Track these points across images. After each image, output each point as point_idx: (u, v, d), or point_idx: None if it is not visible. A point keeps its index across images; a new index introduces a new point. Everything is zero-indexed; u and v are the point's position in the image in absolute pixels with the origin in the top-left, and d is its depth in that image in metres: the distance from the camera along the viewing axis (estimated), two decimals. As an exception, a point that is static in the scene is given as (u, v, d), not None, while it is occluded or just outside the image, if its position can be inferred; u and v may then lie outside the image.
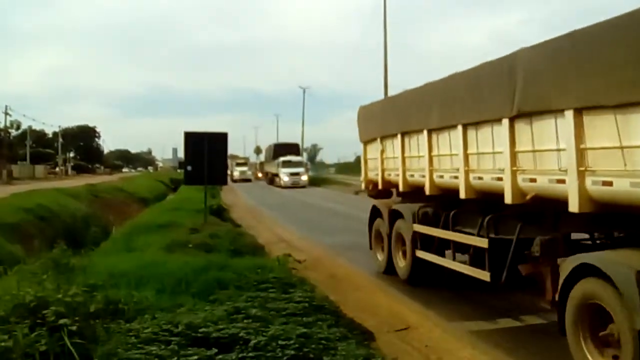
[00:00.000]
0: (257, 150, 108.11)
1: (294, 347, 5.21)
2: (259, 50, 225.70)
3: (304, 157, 63.51)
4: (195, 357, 5.01)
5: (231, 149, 64.22)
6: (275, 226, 19.99)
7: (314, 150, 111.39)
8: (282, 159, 51.71)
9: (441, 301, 8.80)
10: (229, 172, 68.36)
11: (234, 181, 60.07)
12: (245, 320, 5.97)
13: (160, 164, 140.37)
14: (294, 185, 47.99)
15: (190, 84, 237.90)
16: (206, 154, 15.72)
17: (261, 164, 75.93)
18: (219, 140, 16.33)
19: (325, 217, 22.55)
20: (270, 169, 57.89)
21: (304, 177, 50.73)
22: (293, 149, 58.05)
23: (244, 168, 71.24)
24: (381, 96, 32.04)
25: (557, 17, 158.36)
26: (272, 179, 55.87)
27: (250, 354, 5.08)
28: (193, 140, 16.13)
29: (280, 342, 5.29)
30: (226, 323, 5.85)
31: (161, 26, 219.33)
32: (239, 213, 24.49)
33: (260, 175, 71.50)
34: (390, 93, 28.44)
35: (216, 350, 5.17)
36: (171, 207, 22.39)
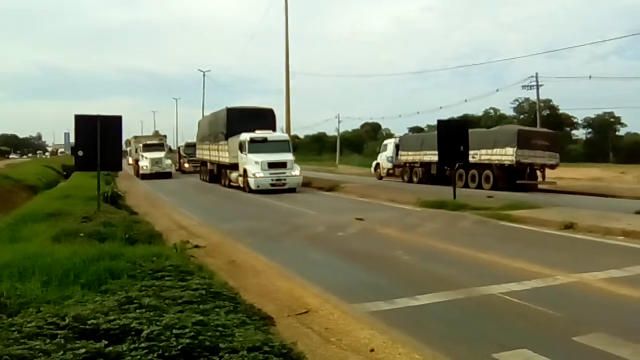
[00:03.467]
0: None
1: (190, 335, 5.01)
2: (156, 31, 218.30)
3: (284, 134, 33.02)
4: (84, 350, 4.70)
5: (128, 134, 55.84)
6: (175, 213, 19.46)
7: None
8: (248, 136, 28.17)
9: (342, 284, 8.89)
10: (130, 160, 55.04)
11: (143, 177, 42.90)
12: (138, 311, 5.69)
13: (61, 150, 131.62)
14: (276, 188, 26.73)
15: (85, 65, 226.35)
16: (99, 138, 15.03)
17: (190, 147, 49.57)
18: (113, 124, 15.61)
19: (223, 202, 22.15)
20: (220, 154, 33.02)
21: (295, 172, 27.80)
22: (264, 118, 30.84)
23: (159, 154, 44.79)
24: (282, 81, 31.56)
25: (455, 5, 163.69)
26: (221, 173, 33.52)
27: (143, 345, 4.83)
28: (84, 124, 15.37)
29: (175, 331, 5.07)
30: (117, 314, 5.56)
31: (54, 2, 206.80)
32: (136, 200, 23.67)
33: (187, 165, 49.09)
34: (293, 77, 26.99)
35: (106, 343, 4.87)
36: (62, 195, 21.17)
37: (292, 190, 26.83)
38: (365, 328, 6.68)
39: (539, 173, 28.88)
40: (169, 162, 45.50)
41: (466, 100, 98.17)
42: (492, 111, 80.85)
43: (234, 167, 29.73)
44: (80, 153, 15.44)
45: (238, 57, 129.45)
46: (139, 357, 4.63)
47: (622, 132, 77.69)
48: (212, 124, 35.98)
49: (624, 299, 7.70)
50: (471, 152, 22.41)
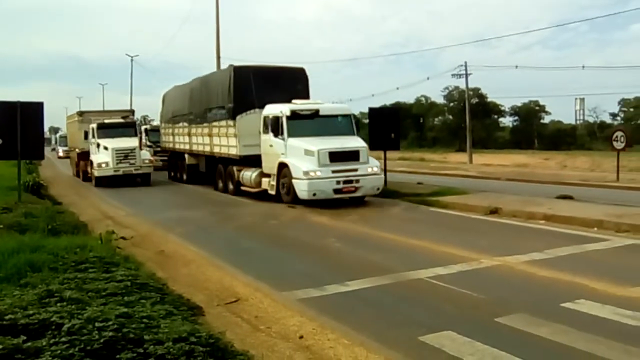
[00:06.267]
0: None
1: (113, 328, 4.87)
2: (81, 13, 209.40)
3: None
4: (0, 346, 4.51)
5: (51, 121, 49.85)
6: (101, 203, 18.89)
7: (144, 123, 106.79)
8: (286, 108, 16.92)
9: (272, 272, 8.88)
10: (60, 152, 43.85)
11: (99, 182, 24.31)
12: (59, 304, 5.51)
13: None
14: (343, 196, 16.20)
15: (4, 48, 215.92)
16: (19, 125, 14.42)
17: (156, 131, 31.98)
18: (34, 110, 14.99)
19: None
20: (216, 141, 20.88)
21: (374, 168, 16.54)
22: (294, 83, 19.95)
23: (130, 142, 25.10)
24: (214, 67, 30.87)
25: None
26: (217, 170, 21.28)
27: (63, 339, 4.66)
28: (3, 110, 14.80)
29: (97, 324, 4.91)
30: (37, 308, 5.36)
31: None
32: (60, 189, 22.86)
33: (154, 159, 27.83)
34: (225, 64, 26.28)
35: (25, 338, 4.69)
36: (-21, 185, 20.17)
37: (360, 200, 16.45)
38: (294, 315, 6.71)
39: None
40: (146, 155, 25.78)
41: (398, 88, 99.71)
42: (423, 98, 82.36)
43: (248, 161, 18.56)
44: None
45: (168, 42, 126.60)
46: (59, 351, 4.47)
47: (546, 119, 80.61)
48: (197, 95, 23.10)
49: (544, 280, 8.02)
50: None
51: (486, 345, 5.54)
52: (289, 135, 16.37)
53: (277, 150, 16.75)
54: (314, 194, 15.49)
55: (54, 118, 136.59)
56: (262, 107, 17.97)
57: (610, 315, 6.37)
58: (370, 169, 16.30)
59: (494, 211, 14.10)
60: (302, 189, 15.59)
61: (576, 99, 77.25)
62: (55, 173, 34.07)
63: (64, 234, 10.32)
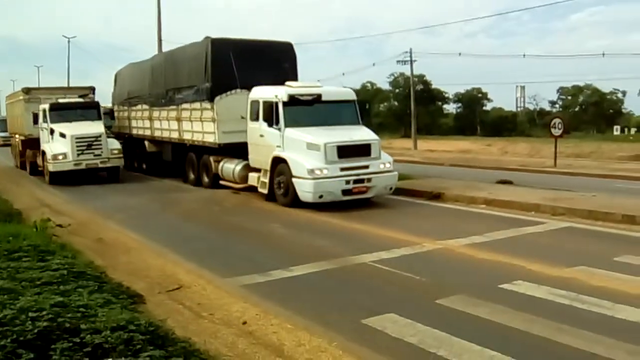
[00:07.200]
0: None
1: (48, 318, 4.72)
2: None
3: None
4: None
5: None
6: (38, 190, 18.23)
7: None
8: (283, 92, 14.25)
9: (216, 259, 8.80)
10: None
11: (53, 178, 19.27)
12: (-11, 295, 5.30)
13: None
14: (353, 197, 13.32)
15: None
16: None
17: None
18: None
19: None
20: (187, 127, 18.12)
21: (386, 164, 13.91)
22: (279, 60, 17.41)
23: (94, 127, 19.94)
24: (155, 50, 30.23)
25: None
26: (186, 160, 18.76)
27: (-6, 331, 4.50)
28: None
29: (31, 314, 4.75)
30: (-34, 299, 5.13)
31: None
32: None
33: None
34: (166, 47, 25.35)
35: (-48, 331, 4.49)
36: None
37: (365, 201, 13.77)
38: (238, 301, 6.66)
39: None
40: (115, 144, 20.49)
41: (343, 74, 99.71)
42: (368, 84, 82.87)
43: (229, 150, 16.32)
44: None
45: (107, 23, 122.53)
46: (-11, 343, 4.30)
47: (488, 106, 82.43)
48: (161, 73, 20.13)
49: (482, 263, 8.22)
50: None
51: (427, 326, 5.64)
52: (287, 125, 13.74)
53: (270, 141, 14.11)
54: (320, 196, 12.92)
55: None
56: (245, 87, 15.72)
57: (545, 295, 6.58)
58: (383, 165, 13.78)
59: (437, 196, 14.34)
60: (305, 190, 12.96)
61: (517, 86, 79.14)
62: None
63: (-4, 223, 9.92)
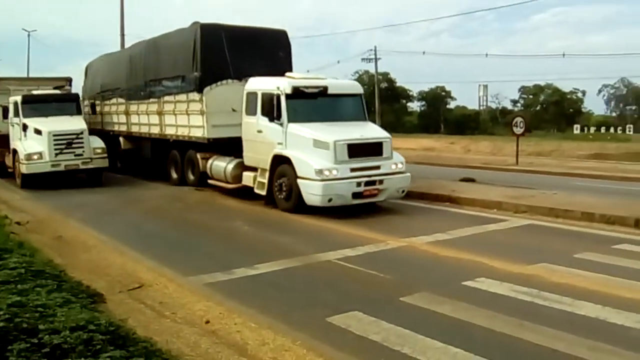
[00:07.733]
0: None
1: (4, 318, 4.60)
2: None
3: None
4: None
5: None
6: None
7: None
8: (286, 83, 13.03)
9: (178, 257, 8.69)
10: None
11: (26, 181, 16.85)
12: (-58, 295, 5.13)
13: None
14: (364, 201, 12.32)
15: None
16: None
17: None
18: None
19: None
20: (170, 121, 16.99)
21: (398, 164, 12.84)
22: (273, 48, 16.24)
23: (73, 123, 17.49)
24: (117, 46, 29.76)
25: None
26: (169, 158, 17.51)
27: (-53, 332, 4.36)
28: None
29: (-14, 315, 4.62)
30: None
31: None
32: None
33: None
34: (130, 42, 24.78)
35: None
36: None
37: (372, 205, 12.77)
38: (201, 300, 6.58)
39: None
40: (98, 143, 17.68)
41: (308, 71, 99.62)
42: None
43: (219, 146, 15.18)
44: None
45: (69, 17, 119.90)
46: (-59, 345, 4.16)
47: (451, 105, 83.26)
48: (140, 64, 18.57)
49: (446, 260, 8.30)
50: None
51: (391, 324, 5.67)
52: (290, 120, 12.48)
53: (270, 137, 12.82)
54: (330, 200, 11.75)
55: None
56: (237, 77, 14.70)
57: (507, 292, 6.68)
58: (395, 165, 12.68)
59: (401, 193, 14.40)
60: (313, 192, 11.76)
61: (480, 85, 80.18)
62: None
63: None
